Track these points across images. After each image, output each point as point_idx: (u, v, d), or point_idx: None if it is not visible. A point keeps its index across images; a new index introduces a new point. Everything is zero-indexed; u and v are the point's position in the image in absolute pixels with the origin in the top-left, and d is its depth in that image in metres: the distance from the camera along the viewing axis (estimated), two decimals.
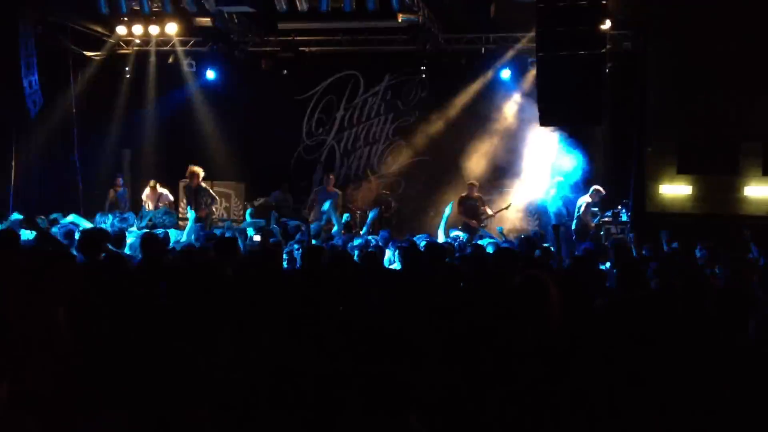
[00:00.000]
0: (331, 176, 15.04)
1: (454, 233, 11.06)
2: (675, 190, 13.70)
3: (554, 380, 3.15)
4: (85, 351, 3.68)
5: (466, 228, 13.09)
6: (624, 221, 13.46)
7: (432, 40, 14.88)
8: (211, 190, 13.56)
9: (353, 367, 2.48)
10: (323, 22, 14.65)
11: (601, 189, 13.30)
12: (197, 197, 13.10)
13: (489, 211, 14.01)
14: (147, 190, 14.77)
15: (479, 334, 3.56)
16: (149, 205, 14.41)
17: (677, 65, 13.20)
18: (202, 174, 13.32)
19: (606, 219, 13.51)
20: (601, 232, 13.19)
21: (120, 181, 15.81)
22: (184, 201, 14.81)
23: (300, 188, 16.41)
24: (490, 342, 3.46)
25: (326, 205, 12.32)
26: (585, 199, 13.31)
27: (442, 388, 3.12)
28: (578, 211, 13.31)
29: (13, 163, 14.29)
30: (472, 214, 13.73)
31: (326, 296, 4.93)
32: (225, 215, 15.61)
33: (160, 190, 14.78)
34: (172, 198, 14.86)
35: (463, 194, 13.99)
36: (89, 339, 3.83)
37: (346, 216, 13.03)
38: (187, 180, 13.56)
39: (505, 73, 15.25)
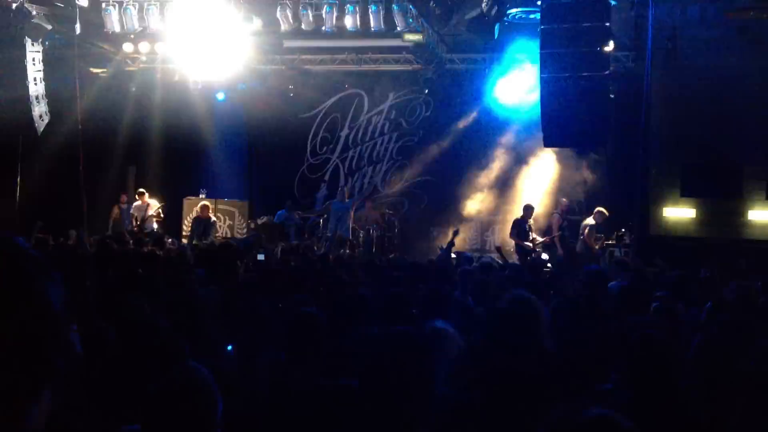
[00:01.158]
0: (345, 189, 15.12)
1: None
2: (679, 213, 13.66)
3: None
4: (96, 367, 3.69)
5: (520, 252, 12.91)
6: (628, 244, 13.40)
7: (436, 59, 14.94)
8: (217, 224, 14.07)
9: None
10: (328, 40, 14.73)
11: (604, 211, 13.25)
12: (206, 229, 13.35)
13: (538, 238, 13.56)
14: (137, 202, 14.77)
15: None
16: (137, 218, 14.39)
17: (681, 87, 13.22)
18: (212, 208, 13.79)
19: (610, 242, 13.45)
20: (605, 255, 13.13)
21: (125, 198, 15.82)
22: (188, 220, 14.86)
23: (303, 207, 16.42)
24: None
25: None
26: (588, 222, 13.27)
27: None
28: (582, 234, 13.26)
29: (18, 179, 14.33)
30: (525, 238, 13.33)
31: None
32: (228, 233, 15.59)
33: (149, 200, 14.77)
34: (158, 206, 14.81)
35: (519, 217, 13.59)
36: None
37: None
38: (199, 212, 13.80)
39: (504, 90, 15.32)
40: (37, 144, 14.37)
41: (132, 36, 14.91)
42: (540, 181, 14.83)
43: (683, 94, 13.20)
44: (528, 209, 13.58)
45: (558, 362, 4.23)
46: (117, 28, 14.01)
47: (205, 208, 13.96)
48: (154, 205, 14.66)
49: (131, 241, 10.00)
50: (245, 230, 15.70)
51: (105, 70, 16.05)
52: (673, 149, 13.46)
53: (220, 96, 16.66)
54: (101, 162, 16.12)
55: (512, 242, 13.53)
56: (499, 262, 10.38)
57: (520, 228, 13.40)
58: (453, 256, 10.45)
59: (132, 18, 13.86)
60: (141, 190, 14.93)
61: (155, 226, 14.12)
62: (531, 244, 13.30)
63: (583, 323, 5.47)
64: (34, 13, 12.71)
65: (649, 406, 3.23)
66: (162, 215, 14.62)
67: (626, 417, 1.86)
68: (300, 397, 3.40)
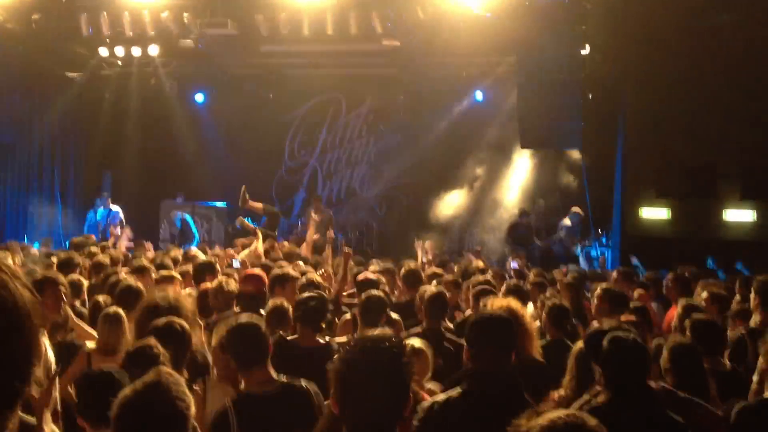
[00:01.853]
0: (321, 196, 14.93)
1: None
2: (654, 213, 13.78)
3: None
4: None
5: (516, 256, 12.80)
6: (605, 244, 13.52)
7: (414, 63, 14.95)
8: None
9: None
10: (306, 45, 14.68)
11: (580, 210, 13.35)
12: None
13: (537, 241, 13.56)
14: (99, 207, 14.28)
15: None
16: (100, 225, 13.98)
17: (656, 88, 13.34)
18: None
19: (586, 243, 13.55)
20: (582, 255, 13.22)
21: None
22: (164, 223, 14.68)
23: (282, 210, 16.35)
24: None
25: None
26: (565, 223, 13.37)
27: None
28: (560, 234, 13.35)
29: None
30: (523, 240, 13.26)
31: None
32: (206, 237, 15.49)
33: (111, 206, 14.37)
34: (122, 216, 14.40)
35: (514, 221, 13.59)
36: None
37: None
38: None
39: (480, 95, 15.40)
40: (9, 150, 14.20)
41: (107, 40, 14.72)
42: (517, 182, 14.90)
43: (658, 93, 13.30)
44: (522, 214, 13.60)
45: (541, 368, 4.27)
46: (91, 32, 13.81)
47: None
48: (116, 211, 14.29)
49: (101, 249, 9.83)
50: (222, 234, 15.58)
51: (80, 74, 15.86)
52: (649, 150, 13.58)
53: (199, 98, 16.56)
54: (76, 168, 15.97)
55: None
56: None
57: (517, 231, 13.34)
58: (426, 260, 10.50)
59: (106, 22, 13.66)
60: (104, 194, 14.52)
61: (118, 231, 13.77)
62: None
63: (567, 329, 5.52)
64: None
65: (622, 408, 3.24)
66: (123, 222, 14.24)
67: (594, 417, 1.87)
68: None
